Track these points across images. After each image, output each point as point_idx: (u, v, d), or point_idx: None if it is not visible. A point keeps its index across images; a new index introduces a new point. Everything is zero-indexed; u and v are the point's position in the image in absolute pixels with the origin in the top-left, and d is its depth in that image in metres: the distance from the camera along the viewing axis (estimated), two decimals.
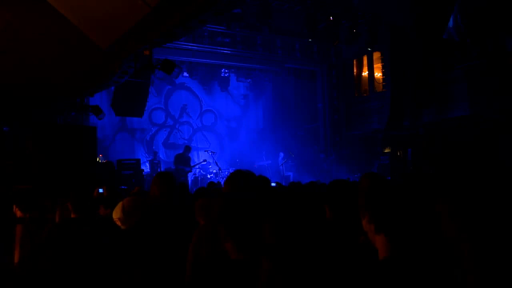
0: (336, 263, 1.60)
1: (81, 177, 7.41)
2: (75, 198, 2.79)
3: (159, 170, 12.50)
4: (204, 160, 12.42)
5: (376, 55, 13.00)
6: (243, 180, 2.50)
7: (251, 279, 1.58)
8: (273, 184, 5.94)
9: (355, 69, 13.92)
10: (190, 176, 11.98)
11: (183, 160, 11.36)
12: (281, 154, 13.60)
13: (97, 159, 10.14)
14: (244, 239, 1.68)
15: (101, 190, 3.34)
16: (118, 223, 2.42)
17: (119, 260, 2.28)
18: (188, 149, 11.67)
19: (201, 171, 13.05)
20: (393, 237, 1.43)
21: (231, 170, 10.19)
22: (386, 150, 12.13)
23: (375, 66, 13.17)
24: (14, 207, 3.01)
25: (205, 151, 13.31)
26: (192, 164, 11.83)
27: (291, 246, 1.51)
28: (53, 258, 2.28)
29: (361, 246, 1.84)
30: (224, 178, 2.65)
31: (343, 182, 2.65)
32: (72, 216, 2.82)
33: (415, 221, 1.43)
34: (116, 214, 2.43)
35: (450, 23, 10.30)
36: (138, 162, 10.83)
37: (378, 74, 13.09)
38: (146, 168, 12.72)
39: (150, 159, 13.09)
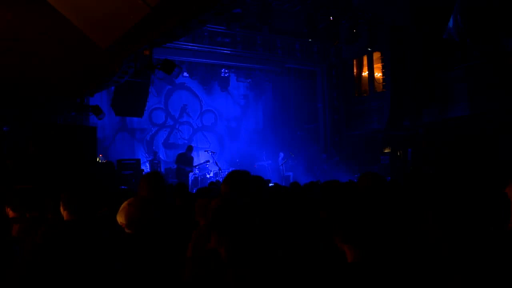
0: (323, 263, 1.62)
1: (81, 177, 7.40)
2: (70, 199, 2.71)
3: (159, 170, 12.51)
4: (207, 161, 12.42)
5: (376, 55, 13.00)
6: (241, 182, 2.51)
7: (245, 281, 1.59)
8: (271, 185, 5.95)
9: (355, 69, 13.91)
10: (190, 176, 11.98)
11: (185, 159, 11.37)
12: (281, 154, 13.60)
13: (97, 159, 10.13)
14: (238, 244, 1.69)
15: None
16: (123, 226, 2.41)
17: (122, 263, 2.27)
18: (190, 148, 11.68)
19: (201, 171, 13.05)
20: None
21: (231, 170, 10.18)
22: (386, 150, 12.13)
23: (375, 66, 13.16)
24: (6, 207, 2.99)
25: (205, 151, 13.31)
26: (194, 164, 11.84)
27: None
28: (47, 265, 2.23)
29: None
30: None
31: (335, 183, 2.67)
32: (67, 218, 2.75)
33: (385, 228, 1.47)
34: (120, 218, 2.41)
35: (450, 23, 10.30)
36: (138, 162, 10.82)
37: (378, 74, 13.09)
38: (146, 168, 12.72)
39: (150, 159, 13.10)
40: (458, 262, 1.29)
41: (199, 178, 12.72)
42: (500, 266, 1.29)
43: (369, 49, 12.11)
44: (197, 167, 12.14)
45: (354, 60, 13.86)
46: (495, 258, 1.30)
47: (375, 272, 1.39)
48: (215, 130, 15.98)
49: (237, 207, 1.79)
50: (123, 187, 9.37)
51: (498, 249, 1.32)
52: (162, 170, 12.92)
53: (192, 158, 11.63)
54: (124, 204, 2.43)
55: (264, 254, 1.73)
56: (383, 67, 12.22)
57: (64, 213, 2.75)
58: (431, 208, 1.45)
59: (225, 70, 13.76)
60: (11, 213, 2.99)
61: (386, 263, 1.41)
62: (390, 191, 2.84)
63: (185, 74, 13.06)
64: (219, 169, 12.35)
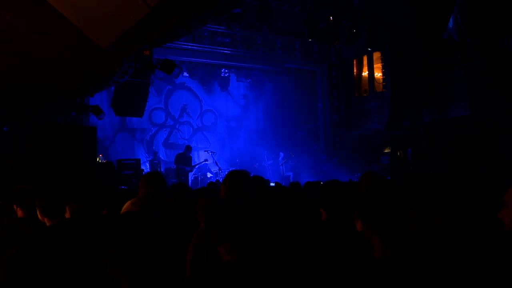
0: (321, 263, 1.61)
1: (81, 177, 7.40)
2: (46, 204, 2.51)
3: (159, 170, 12.51)
4: (206, 160, 12.44)
5: (376, 55, 13.00)
6: (241, 182, 2.51)
7: (246, 280, 1.59)
8: (272, 184, 5.95)
9: (355, 69, 13.91)
10: (190, 176, 11.98)
11: (184, 159, 11.36)
12: (281, 154, 13.61)
13: (97, 159, 10.14)
14: (237, 241, 1.69)
15: None
16: None
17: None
18: (188, 148, 11.67)
19: (201, 171, 13.05)
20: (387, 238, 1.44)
21: (230, 170, 10.17)
22: (386, 150, 12.13)
23: (375, 66, 13.16)
24: (15, 207, 2.96)
25: (205, 151, 13.32)
26: (193, 164, 11.83)
27: None
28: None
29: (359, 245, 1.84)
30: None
31: (336, 183, 2.67)
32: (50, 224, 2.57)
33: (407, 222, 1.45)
34: None
35: (450, 23, 10.31)
36: (138, 162, 10.82)
37: (378, 74, 13.08)
38: (146, 168, 12.72)
39: (150, 159, 13.10)
40: (451, 263, 1.29)
41: (199, 178, 12.73)
42: (495, 266, 1.28)
43: (369, 49, 12.11)
44: (196, 166, 12.13)
45: (354, 60, 13.87)
46: (490, 258, 1.30)
47: (401, 270, 1.38)
48: (215, 130, 15.99)
49: (236, 207, 1.79)
50: (123, 187, 9.37)
51: (492, 249, 1.32)
52: (162, 170, 12.92)
53: (190, 158, 11.61)
54: (127, 204, 2.43)
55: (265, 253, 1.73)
56: (383, 67, 12.22)
57: (44, 220, 2.57)
58: (418, 209, 1.45)
59: (225, 70, 13.77)
60: (20, 213, 2.96)
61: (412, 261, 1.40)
62: (390, 191, 2.83)
63: (185, 74, 13.07)
64: (219, 169, 12.35)
